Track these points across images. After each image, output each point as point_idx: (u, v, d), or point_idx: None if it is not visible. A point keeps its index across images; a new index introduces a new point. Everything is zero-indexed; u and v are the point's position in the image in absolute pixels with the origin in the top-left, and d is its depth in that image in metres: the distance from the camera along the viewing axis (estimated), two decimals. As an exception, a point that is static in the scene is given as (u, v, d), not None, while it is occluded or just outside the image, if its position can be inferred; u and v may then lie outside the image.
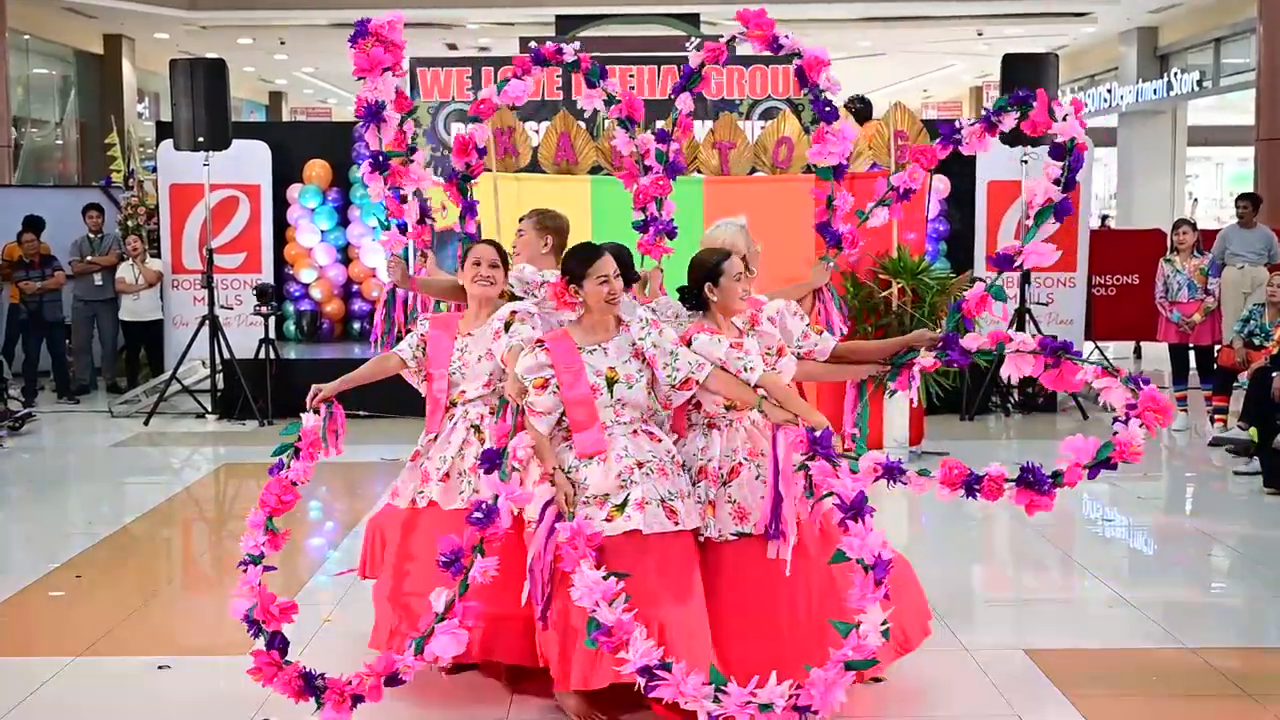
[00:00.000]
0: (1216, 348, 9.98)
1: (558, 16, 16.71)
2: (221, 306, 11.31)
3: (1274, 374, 7.95)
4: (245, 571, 4.33)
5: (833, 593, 4.29)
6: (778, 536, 4.23)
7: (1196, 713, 4.54)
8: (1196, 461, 9.17)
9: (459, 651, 4.12)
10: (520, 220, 5.22)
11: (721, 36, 5.15)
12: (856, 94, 11.65)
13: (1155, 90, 20.57)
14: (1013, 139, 8.67)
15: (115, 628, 5.45)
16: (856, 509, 4.03)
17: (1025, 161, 10.77)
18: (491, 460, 4.19)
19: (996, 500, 4.08)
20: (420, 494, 4.62)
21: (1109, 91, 22.17)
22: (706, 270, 4.42)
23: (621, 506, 4.17)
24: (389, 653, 4.19)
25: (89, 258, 11.92)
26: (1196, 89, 19.72)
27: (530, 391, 4.27)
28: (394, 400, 4.89)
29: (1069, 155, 4.50)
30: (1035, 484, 4.03)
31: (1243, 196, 11.64)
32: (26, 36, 19.36)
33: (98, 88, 21.56)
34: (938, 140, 4.87)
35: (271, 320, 10.87)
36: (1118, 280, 12.76)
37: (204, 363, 11.19)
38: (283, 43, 22.27)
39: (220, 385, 10.88)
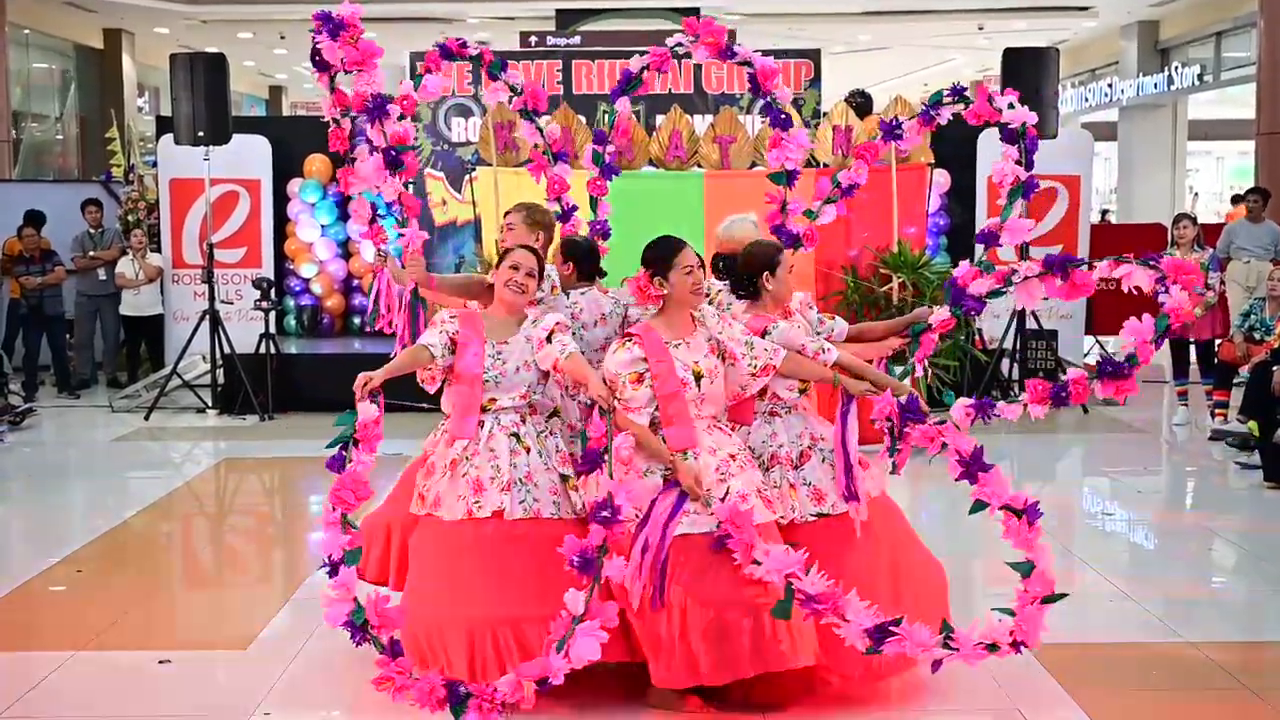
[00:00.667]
0: (1217, 342, 9.98)
1: (558, 11, 16.72)
2: (222, 301, 11.31)
3: (1274, 368, 7.94)
4: (334, 575, 4.06)
5: (907, 562, 4.52)
6: (854, 499, 4.41)
7: (1197, 707, 4.55)
8: (1197, 456, 9.17)
9: (596, 655, 4.05)
10: (506, 214, 5.13)
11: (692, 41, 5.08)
12: (857, 88, 11.63)
13: (1156, 84, 20.54)
14: (1014, 134, 8.66)
15: (116, 622, 5.45)
16: (978, 461, 4.17)
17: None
18: (593, 462, 4.15)
19: (1084, 401, 4.25)
20: (477, 504, 4.36)
21: (1109, 86, 22.15)
22: (763, 261, 4.59)
23: (724, 499, 4.20)
24: (541, 657, 4.06)
25: (91, 253, 11.92)
26: (1197, 83, 19.69)
27: (625, 388, 4.27)
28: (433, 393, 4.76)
29: (1022, 139, 4.79)
30: (1115, 371, 4.21)
31: (1252, 190, 11.59)
32: (26, 31, 19.35)
33: (98, 82, 21.53)
34: (879, 136, 5.13)
35: (272, 315, 10.87)
36: (1118, 274, 12.72)
37: (204, 357, 11.18)
38: (283, 37, 22.25)
39: (221, 380, 10.88)
